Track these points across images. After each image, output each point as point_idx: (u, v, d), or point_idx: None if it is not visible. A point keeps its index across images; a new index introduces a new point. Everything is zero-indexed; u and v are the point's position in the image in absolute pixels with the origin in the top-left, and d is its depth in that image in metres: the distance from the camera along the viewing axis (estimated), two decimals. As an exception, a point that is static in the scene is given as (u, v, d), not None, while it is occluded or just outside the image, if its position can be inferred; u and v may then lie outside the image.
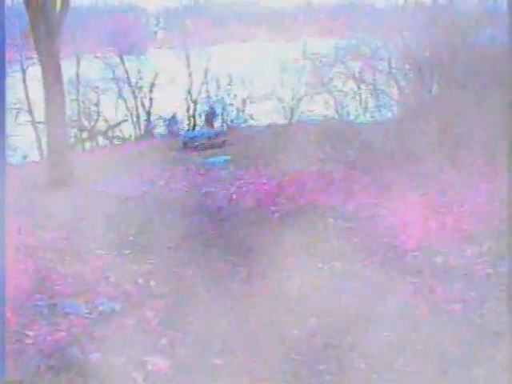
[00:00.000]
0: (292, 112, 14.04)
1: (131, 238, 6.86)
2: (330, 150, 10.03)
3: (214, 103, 14.68)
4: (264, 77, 14.79)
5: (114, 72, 14.51)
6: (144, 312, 4.69)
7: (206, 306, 4.78)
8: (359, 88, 10.07)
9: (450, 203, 7.11)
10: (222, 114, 14.73)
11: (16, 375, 3.78)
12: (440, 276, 5.19)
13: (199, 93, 14.74)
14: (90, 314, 4.70)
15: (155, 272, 5.67)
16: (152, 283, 5.31)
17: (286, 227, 6.88)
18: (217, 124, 14.60)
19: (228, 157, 11.47)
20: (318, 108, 13.41)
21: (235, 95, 14.86)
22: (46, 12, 9.77)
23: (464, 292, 4.86)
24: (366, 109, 10.18)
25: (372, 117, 10.08)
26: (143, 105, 14.60)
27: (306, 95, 13.48)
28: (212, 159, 11.38)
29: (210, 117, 14.48)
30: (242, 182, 9.91)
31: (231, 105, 14.80)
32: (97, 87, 14.35)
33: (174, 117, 14.65)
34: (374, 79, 10.07)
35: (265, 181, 9.83)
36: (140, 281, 5.21)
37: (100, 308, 4.73)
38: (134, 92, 14.46)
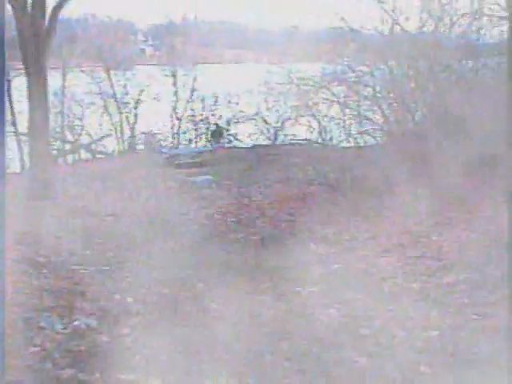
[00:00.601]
0: (276, 134, 14.15)
1: (110, 254, 6.83)
2: (312, 173, 10.09)
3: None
4: (249, 98, 14.89)
5: (99, 87, 14.52)
6: (120, 329, 4.65)
7: (181, 325, 4.76)
8: (344, 113, 10.16)
9: (429, 232, 7.15)
10: (206, 134, 14.80)
11: None
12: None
13: (184, 110, 14.79)
14: (65, 329, 4.66)
15: (132, 289, 5.64)
16: (129, 300, 5.28)
17: (265, 250, 6.88)
18: (201, 143, 14.66)
19: (211, 176, 11.46)
20: (302, 131, 13.53)
21: (220, 115, 14.95)
22: (35, 24, 9.78)
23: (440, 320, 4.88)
24: (349, 134, 10.25)
25: (356, 142, 10.17)
26: (128, 120, 14.62)
27: (290, 118, 13.60)
28: (194, 178, 11.36)
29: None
30: (223, 201, 9.92)
31: (216, 124, 14.88)
32: (82, 101, 14.36)
33: (157, 133, 14.67)
34: (358, 105, 10.17)
35: (246, 202, 9.84)
36: (117, 297, 5.18)
37: (75, 323, 4.69)
38: (119, 107, 14.47)
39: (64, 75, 14.05)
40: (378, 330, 4.72)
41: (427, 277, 5.78)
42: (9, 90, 13.37)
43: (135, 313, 4.98)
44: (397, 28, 10.05)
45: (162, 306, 5.22)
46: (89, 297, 5.31)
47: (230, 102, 14.88)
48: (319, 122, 9.88)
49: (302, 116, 10.77)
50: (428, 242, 6.81)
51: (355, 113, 10.15)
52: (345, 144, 10.25)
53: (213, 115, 14.90)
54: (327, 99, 10.43)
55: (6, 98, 13.45)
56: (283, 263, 6.29)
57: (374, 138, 10.53)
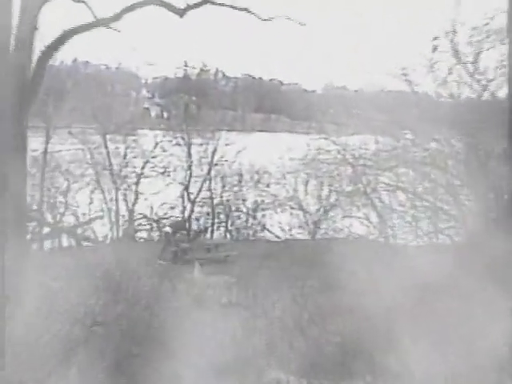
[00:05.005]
0: (316, 225, 13.95)
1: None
2: (366, 280, 9.84)
3: None
4: (282, 178, 14.78)
5: (92, 154, 14.45)
6: None
7: None
8: (415, 206, 9.94)
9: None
10: (226, 222, 14.63)
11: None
12: None
13: (199, 191, 14.65)
14: None
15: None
16: None
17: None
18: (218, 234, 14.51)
19: (231, 277, 11.26)
20: (345, 223, 13.33)
21: (244, 198, 14.82)
22: (17, 72, 9.79)
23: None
24: (417, 230, 10.01)
25: (427, 240, 9.93)
26: (125, 199, 14.48)
27: (336, 205, 13.39)
28: (210, 278, 11.14)
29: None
30: (248, 313, 9.66)
31: (238, 210, 14.74)
32: (68, 171, 14.26)
33: (163, 219, 14.51)
34: (432, 194, 9.98)
35: (278, 314, 9.60)
36: None
37: None
38: (115, 182, 14.35)
39: (47, 138, 13.99)
40: None
41: None
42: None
43: None
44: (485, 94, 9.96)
45: None
46: None
47: (258, 181, 14.76)
48: (380, 214, 9.64)
49: (357, 206, 10.55)
50: None
51: (427, 204, 9.89)
52: (413, 242, 9.97)
53: (237, 199, 14.76)
54: (389, 184, 10.24)
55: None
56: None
57: (449, 236, 10.28)
